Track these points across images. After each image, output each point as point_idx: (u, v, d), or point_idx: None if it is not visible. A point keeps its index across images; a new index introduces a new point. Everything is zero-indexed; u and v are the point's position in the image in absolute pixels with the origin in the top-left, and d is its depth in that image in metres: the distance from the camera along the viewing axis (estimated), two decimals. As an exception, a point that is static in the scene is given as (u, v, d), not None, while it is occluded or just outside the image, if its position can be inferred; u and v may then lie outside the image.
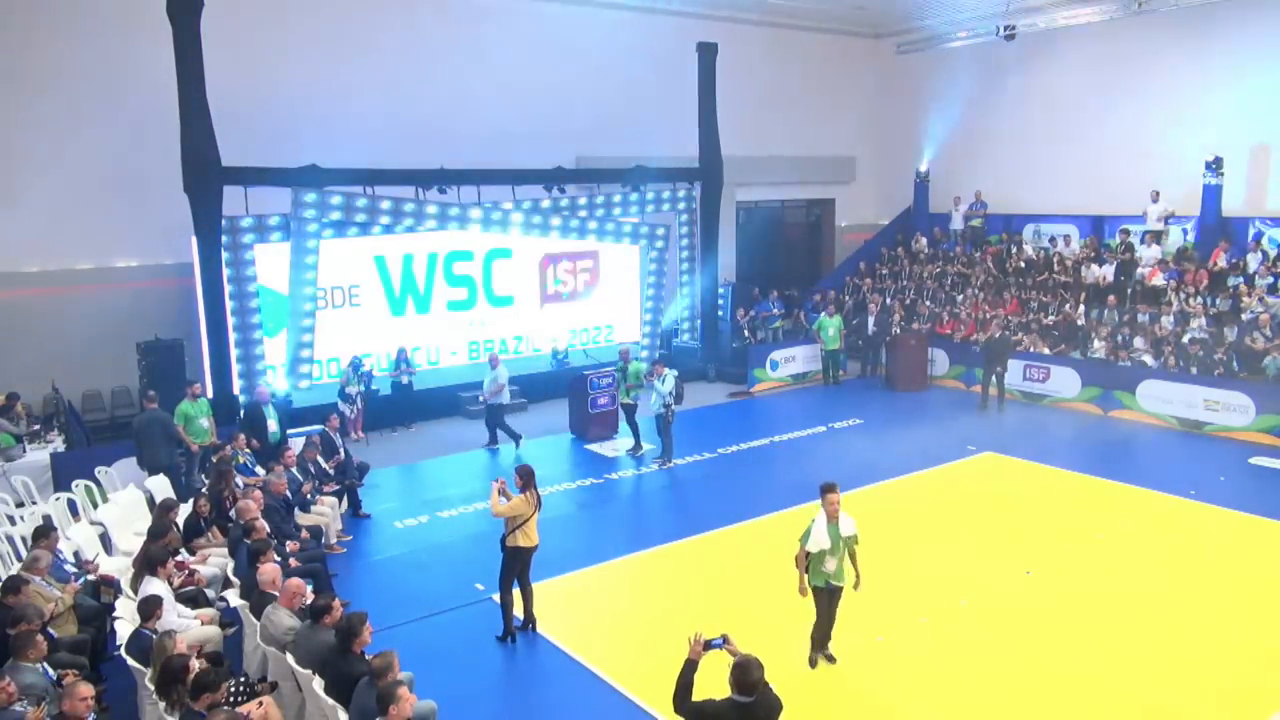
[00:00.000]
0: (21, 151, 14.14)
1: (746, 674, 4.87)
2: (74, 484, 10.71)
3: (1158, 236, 17.93)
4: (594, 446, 14.46)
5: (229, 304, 13.79)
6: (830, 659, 7.50)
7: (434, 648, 8.08)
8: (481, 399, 14.57)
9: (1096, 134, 19.64)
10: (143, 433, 11.47)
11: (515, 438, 14.33)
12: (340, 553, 10.32)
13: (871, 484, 12.27)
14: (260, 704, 5.89)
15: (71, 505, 10.33)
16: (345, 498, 11.42)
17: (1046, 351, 16.93)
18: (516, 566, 8.24)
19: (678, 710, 5.09)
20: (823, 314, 18.64)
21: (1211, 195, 17.54)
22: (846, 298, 20.37)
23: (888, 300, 19.66)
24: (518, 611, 8.40)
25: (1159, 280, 17.07)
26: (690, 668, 5.14)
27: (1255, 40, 17.25)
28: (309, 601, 7.01)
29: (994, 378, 16.29)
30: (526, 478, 8.22)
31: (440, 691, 6.63)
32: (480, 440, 14.54)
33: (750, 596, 9.02)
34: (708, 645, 5.15)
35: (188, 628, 7.25)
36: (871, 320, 18.87)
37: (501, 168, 15.99)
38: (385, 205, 14.85)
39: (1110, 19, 18.21)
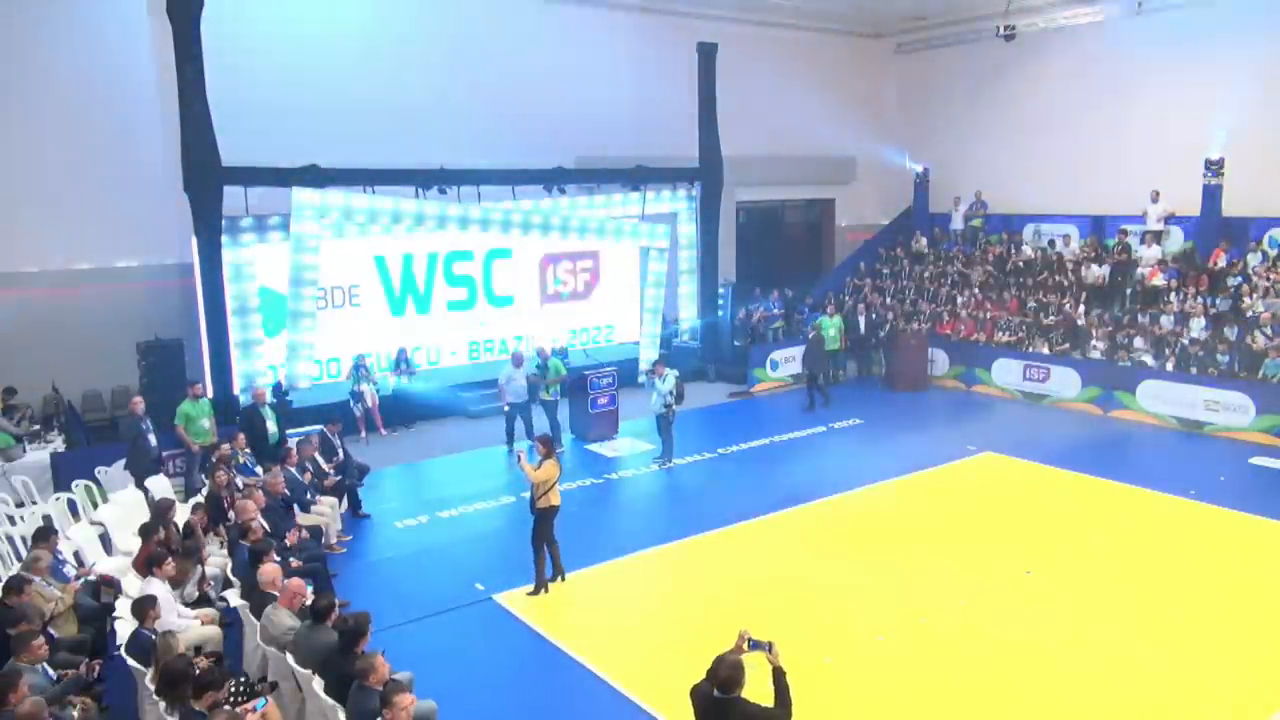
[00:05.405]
0: (22, 152, 14.12)
1: (715, 668, 4.89)
2: (74, 484, 10.71)
3: (1158, 236, 17.92)
4: (594, 446, 14.45)
5: (229, 304, 13.79)
6: None
7: (434, 648, 8.08)
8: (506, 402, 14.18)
9: (1097, 134, 19.59)
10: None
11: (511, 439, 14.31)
12: (340, 553, 10.32)
13: (872, 484, 12.28)
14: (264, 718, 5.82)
15: (71, 505, 10.33)
16: (345, 498, 11.43)
17: (1046, 351, 16.93)
18: (548, 526, 9.02)
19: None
20: (823, 314, 18.63)
21: (1211, 195, 17.53)
22: (847, 298, 20.36)
23: (886, 299, 19.65)
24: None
25: (1159, 280, 17.06)
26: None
27: (1255, 39, 17.23)
28: (309, 602, 7.01)
29: (815, 379, 16.55)
30: (549, 445, 9.18)
31: (440, 691, 6.63)
32: (482, 440, 14.55)
33: (750, 597, 9.03)
34: (751, 644, 5.11)
35: (188, 628, 7.25)
36: (862, 321, 18.89)
37: (501, 168, 15.98)
38: (385, 205, 14.85)
39: (1110, 19, 18.19)
